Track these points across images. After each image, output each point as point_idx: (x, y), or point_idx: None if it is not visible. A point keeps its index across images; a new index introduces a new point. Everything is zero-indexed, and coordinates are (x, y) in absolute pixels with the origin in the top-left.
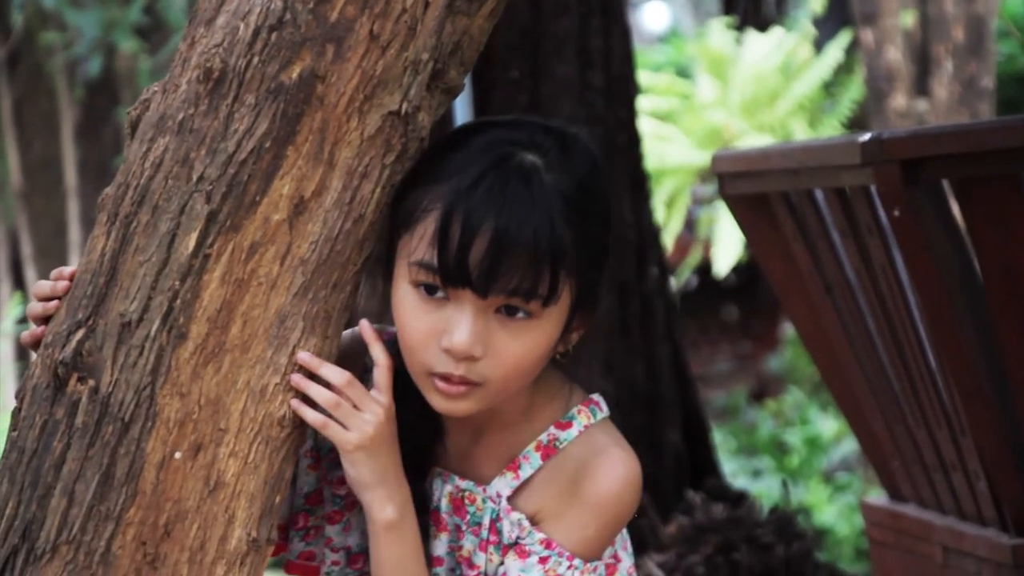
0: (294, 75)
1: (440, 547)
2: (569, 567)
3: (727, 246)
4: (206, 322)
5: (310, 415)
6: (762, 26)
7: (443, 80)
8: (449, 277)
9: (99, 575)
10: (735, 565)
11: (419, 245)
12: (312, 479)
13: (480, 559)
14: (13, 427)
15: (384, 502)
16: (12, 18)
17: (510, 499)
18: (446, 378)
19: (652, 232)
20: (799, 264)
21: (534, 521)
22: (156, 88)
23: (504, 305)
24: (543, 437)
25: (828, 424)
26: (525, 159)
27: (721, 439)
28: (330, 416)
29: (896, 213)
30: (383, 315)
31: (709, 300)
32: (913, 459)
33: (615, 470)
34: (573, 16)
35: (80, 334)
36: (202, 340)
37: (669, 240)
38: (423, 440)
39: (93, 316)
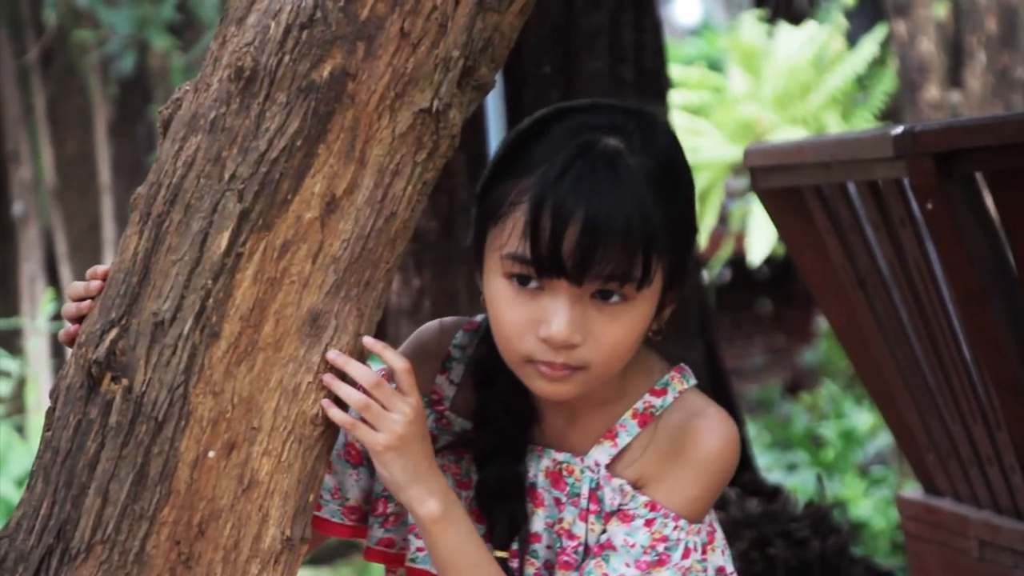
0: (325, 73)
1: (538, 523)
2: (675, 528)
3: (761, 237)
4: (239, 321)
5: (338, 416)
6: (794, 19)
7: (474, 77)
8: (543, 268)
9: (133, 575)
10: (771, 560)
11: (510, 238)
12: None
13: (580, 529)
14: (47, 427)
15: (423, 498)
16: (45, 16)
17: (609, 467)
18: (548, 364)
19: None
20: (832, 258)
21: (636, 486)
22: (188, 87)
23: (599, 290)
24: (638, 405)
25: (863, 417)
26: (609, 143)
27: (755, 433)
28: (360, 418)
29: (929, 206)
30: (415, 311)
31: (743, 294)
32: (948, 453)
33: (716, 430)
34: (604, 11)
35: (113, 333)
36: (235, 339)
37: (702, 234)
38: (518, 424)
39: (126, 315)
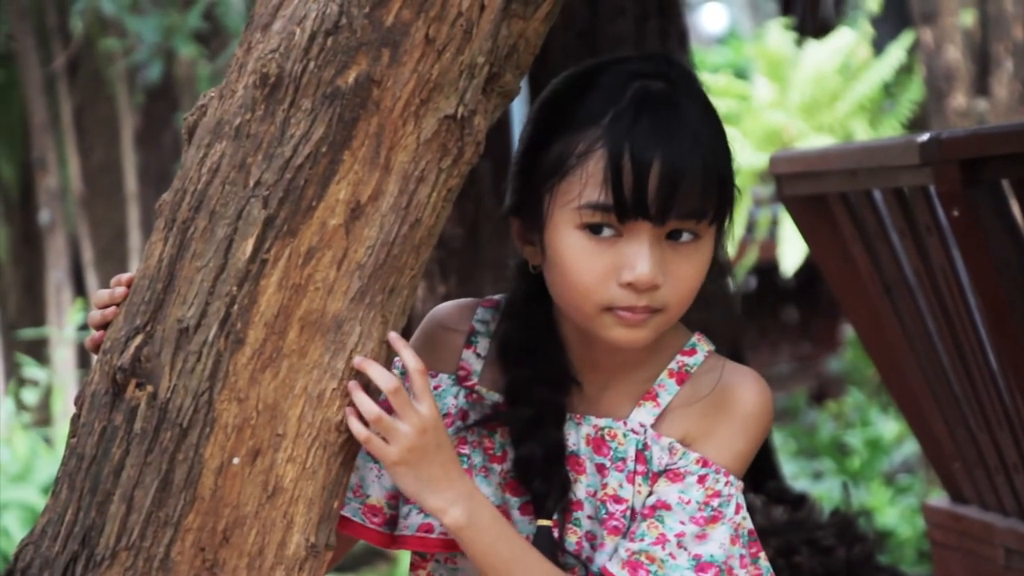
0: (350, 80)
1: (580, 491)
2: (726, 483)
3: (793, 246)
4: (263, 327)
5: (356, 427)
6: (821, 26)
7: (499, 83)
8: (626, 211)
9: None
10: (796, 568)
11: (586, 187)
12: None
13: (627, 491)
14: (72, 433)
15: (446, 508)
16: (72, 25)
17: (654, 427)
18: (629, 309)
19: None
20: (858, 265)
21: (683, 444)
22: (213, 94)
23: (673, 230)
24: (673, 365)
25: (889, 426)
26: (663, 88)
27: (781, 441)
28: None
29: (955, 213)
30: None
31: (769, 302)
32: (975, 461)
33: (755, 385)
34: (630, 18)
35: (138, 340)
36: (259, 345)
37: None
38: (555, 393)
39: (151, 322)
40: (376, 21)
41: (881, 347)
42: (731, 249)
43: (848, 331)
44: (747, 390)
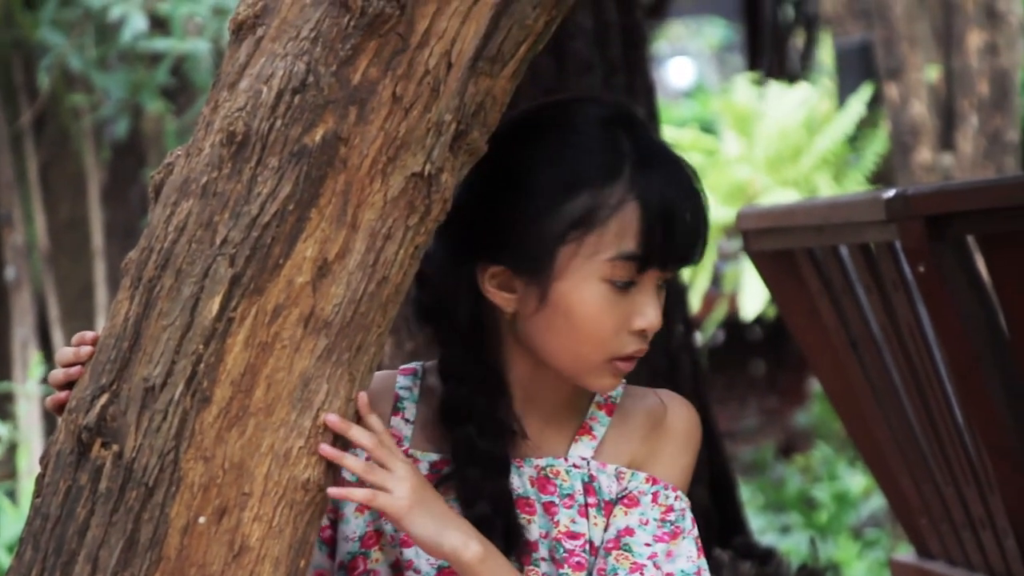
0: (317, 138)
1: (534, 532)
2: (676, 498)
3: (753, 294)
4: (230, 386)
5: (359, 494)
6: (788, 80)
7: (466, 141)
8: (653, 260)
9: None
10: None
11: (618, 240)
12: (361, 521)
13: (582, 525)
14: (37, 493)
15: (465, 542)
16: (39, 81)
17: (594, 458)
18: (629, 358)
19: (678, 289)
20: (824, 320)
21: (631, 468)
22: (179, 152)
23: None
24: (599, 399)
25: (857, 480)
26: (645, 132)
27: (749, 495)
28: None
29: (921, 269)
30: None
31: (736, 355)
32: (941, 516)
33: (683, 403)
34: (596, 74)
35: (104, 399)
36: (226, 404)
37: (696, 296)
38: (499, 445)
39: (117, 381)
40: (343, 79)
41: (847, 402)
42: (697, 302)
43: (816, 385)
44: (679, 408)
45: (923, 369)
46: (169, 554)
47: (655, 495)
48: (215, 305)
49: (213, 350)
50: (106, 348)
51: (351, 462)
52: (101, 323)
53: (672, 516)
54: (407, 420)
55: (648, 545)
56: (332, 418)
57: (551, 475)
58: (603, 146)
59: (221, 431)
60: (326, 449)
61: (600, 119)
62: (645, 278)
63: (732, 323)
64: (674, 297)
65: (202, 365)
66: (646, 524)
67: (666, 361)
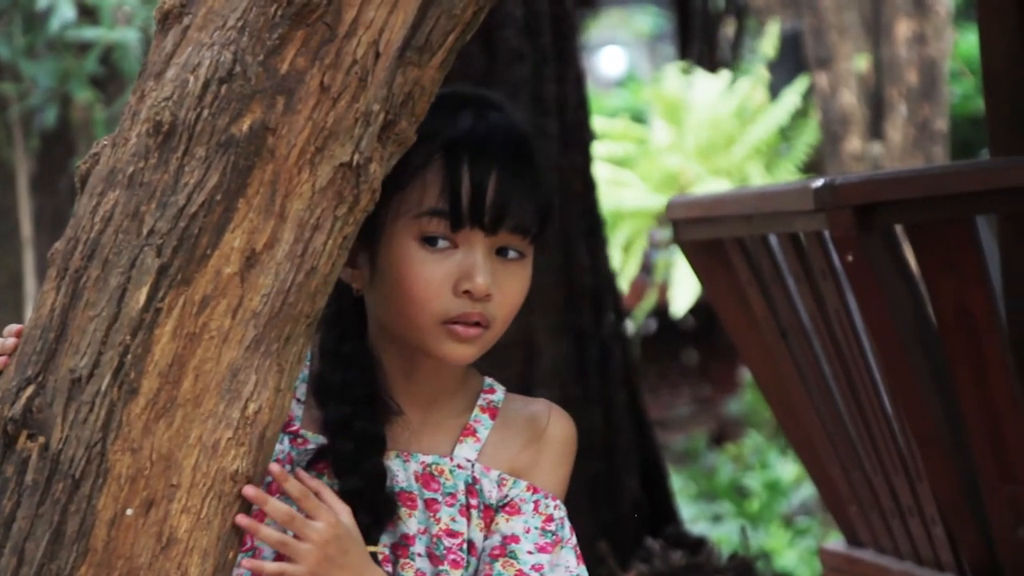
0: (244, 127)
1: (412, 526)
2: (555, 507)
3: (684, 288)
4: (157, 377)
5: (265, 533)
6: (717, 70)
7: (395, 131)
8: (461, 218)
9: None
10: None
11: (424, 196)
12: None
13: (462, 525)
14: None
15: None
16: None
17: (478, 461)
18: (464, 320)
19: (608, 277)
20: (754, 309)
21: (512, 476)
22: (106, 142)
23: (499, 248)
24: (481, 402)
25: (788, 468)
26: (492, 107)
27: (681, 484)
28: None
29: (850, 258)
30: None
31: (668, 344)
32: (870, 504)
33: (562, 414)
34: (527, 64)
35: (30, 391)
36: (153, 395)
37: (626, 284)
38: (376, 424)
39: (43, 372)
40: (270, 69)
41: (777, 391)
42: (626, 290)
43: (747, 374)
44: (558, 419)
45: (852, 357)
46: (96, 546)
47: (536, 504)
48: (142, 296)
49: (140, 341)
50: (32, 339)
51: (272, 503)
52: (30, 313)
53: (552, 526)
54: (298, 400)
55: (531, 554)
56: (249, 491)
57: (436, 473)
58: (436, 116)
59: (149, 422)
60: (252, 492)
61: (459, 98)
62: (467, 240)
63: (664, 312)
64: (604, 285)
65: (129, 356)
66: (528, 532)
67: (597, 350)
